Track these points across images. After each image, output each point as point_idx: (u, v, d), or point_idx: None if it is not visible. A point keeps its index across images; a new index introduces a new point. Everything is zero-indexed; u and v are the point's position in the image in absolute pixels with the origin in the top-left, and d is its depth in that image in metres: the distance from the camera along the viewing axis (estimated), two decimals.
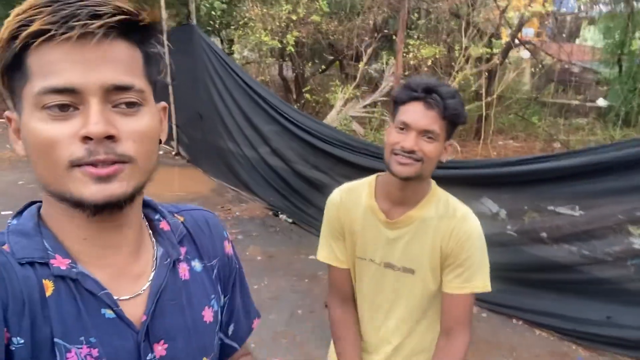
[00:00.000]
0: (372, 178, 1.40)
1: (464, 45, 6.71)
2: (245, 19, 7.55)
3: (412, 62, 7.08)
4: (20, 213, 0.68)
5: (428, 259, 1.31)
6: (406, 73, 6.83)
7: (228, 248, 0.84)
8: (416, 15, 8.31)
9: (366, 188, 1.38)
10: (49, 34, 0.55)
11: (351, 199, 1.38)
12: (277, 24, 7.21)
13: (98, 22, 0.56)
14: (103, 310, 0.63)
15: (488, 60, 7.41)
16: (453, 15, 7.91)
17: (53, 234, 0.64)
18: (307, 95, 8.35)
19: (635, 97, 7.96)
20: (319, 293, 3.60)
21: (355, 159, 4.05)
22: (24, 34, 0.55)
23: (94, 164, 0.57)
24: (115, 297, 0.64)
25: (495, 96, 6.90)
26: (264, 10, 7.32)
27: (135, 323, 0.65)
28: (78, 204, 0.59)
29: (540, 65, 8.70)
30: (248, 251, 4.36)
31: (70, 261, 0.63)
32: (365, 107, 6.92)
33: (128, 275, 0.68)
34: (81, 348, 0.60)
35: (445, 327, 1.33)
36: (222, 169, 6.09)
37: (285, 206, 5.09)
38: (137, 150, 0.60)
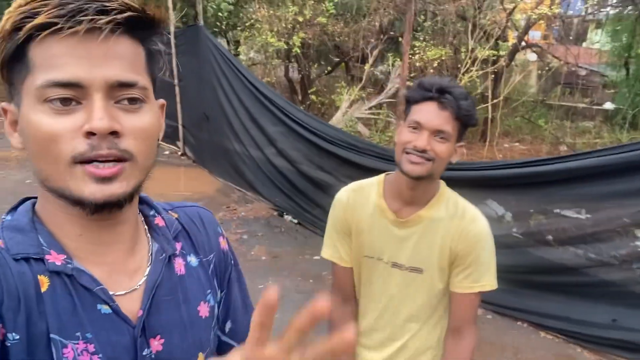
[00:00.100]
0: (380, 177, 1.40)
1: (470, 47, 6.70)
2: (252, 21, 7.59)
3: (418, 64, 7.08)
4: (14, 209, 0.67)
5: (437, 258, 1.32)
6: (412, 75, 6.83)
7: (223, 244, 0.83)
8: (422, 17, 8.31)
9: (375, 187, 1.38)
10: (56, 27, 0.54)
11: (359, 198, 1.39)
12: (284, 25, 7.23)
13: (106, 18, 0.55)
14: (99, 306, 0.62)
15: (494, 62, 7.39)
16: (459, 17, 7.90)
17: (48, 230, 0.63)
18: (313, 97, 8.36)
19: None
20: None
21: (361, 160, 4.06)
22: (29, 25, 0.54)
23: (96, 161, 0.57)
24: (111, 293, 0.63)
25: (501, 98, 6.89)
26: (271, 11, 7.35)
27: (131, 318, 0.64)
28: (77, 202, 0.59)
29: (547, 68, 8.66)
30: (253, 251, 4.37)
31: (65, 257, 0.62)
32: (370, 108, 6.92)
33: (124, 271, 0.67)
34: (77, 343, 0.60)
35: (454, 326, 1.35)
36: (227, 170, 6.11)
37: (290, 207, 5.11)
38: (138, 148, 0.60)
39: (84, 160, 0.57)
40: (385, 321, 1.41)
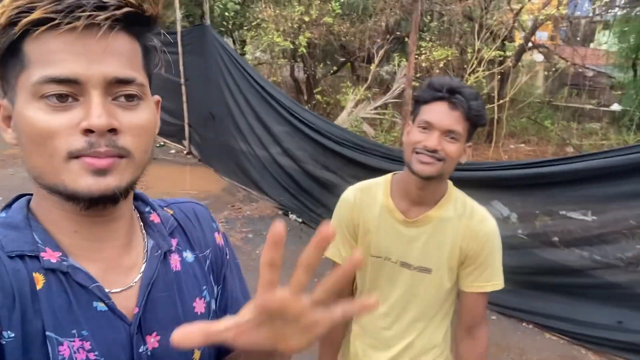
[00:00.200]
0: (387, 177, 1.40)
1: (476, 48, 6.69)
2: (258, 20, 7.59)
3: (424, 64, 7.07)
4: (9, 206, 0.66)
5: (447, 258, 1.32)
6: (418, 75, 6.82)
7: (219, 239, 0.82)
8: (429, 17, 8.29)
9: (382, 187, 1.38)
10: (53, 23, 0.53)
11: (366, 197, 1.39)
12: (290, 25, 7.23)
13: (104, 14, 0.54)
14: (95, 303, 0.62)
15: (501, 63, 7.37)
16: (466, 17, 7.88)
17: (43, 227, 0.63)
18: (318, 97, 8.36)
19: None
20: None
21: (366, 160, 4.07)
22: (25, 20, 0.53)
23: (93, 157, 0.56)
24: (106, 290, 0.63)
25: (507, 99, 6.86)
26: (277, 11, 7.36)
27: (127, 315, 0.64)
28: (72, 197, 0.58)
29: (553, 69, 8.63)
30: (258, 250, 4.38)
31: (60, 254, 0.61)
32: (376, 108, 6.91)
33: (119, 268, 0.67)
34: (73, 341, 0.59)
35: (466, 325, 1.36)
36: (233, 169, 6.13)
37: (295, 206, 5.12)
38: (135, 145, 0.59)
39: (80, 156, 0.56)
40: (392, 320, 1.42)
